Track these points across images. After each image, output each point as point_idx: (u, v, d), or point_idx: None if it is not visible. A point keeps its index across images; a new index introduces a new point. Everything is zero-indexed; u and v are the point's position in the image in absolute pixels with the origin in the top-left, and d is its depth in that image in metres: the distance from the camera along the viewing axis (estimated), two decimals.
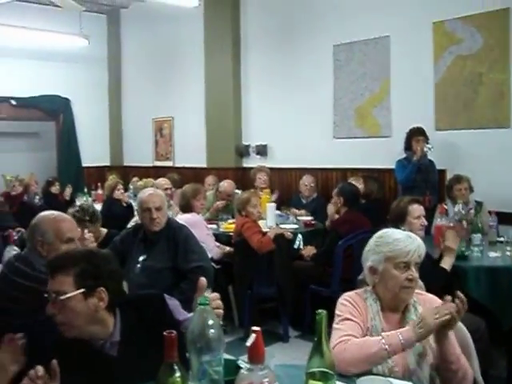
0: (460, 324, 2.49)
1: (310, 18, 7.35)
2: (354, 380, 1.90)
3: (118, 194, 7.00)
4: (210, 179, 7.41)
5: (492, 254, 4.31)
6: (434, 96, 6.16)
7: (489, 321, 3.95)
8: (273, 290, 5.07)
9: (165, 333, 1.50)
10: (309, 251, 5.24)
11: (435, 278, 3.56)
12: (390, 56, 6.56)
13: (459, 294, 2.14)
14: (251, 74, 8.17)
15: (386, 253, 2.29)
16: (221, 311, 1.96)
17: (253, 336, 1.46)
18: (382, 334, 2.13)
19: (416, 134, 5.65)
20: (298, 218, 6.18)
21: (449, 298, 2.15)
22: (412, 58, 6.36)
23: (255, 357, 1.48)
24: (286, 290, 5.03)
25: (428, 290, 3.23)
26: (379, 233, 2.40)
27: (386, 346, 2.05)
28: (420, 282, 3.25)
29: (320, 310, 1.61)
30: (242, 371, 1.51)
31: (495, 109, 5.74)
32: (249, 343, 1.47)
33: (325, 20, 7.20)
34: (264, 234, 5.03)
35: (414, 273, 2.27)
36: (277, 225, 5.52)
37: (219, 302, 1.97)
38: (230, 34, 8.20)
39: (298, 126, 7.47)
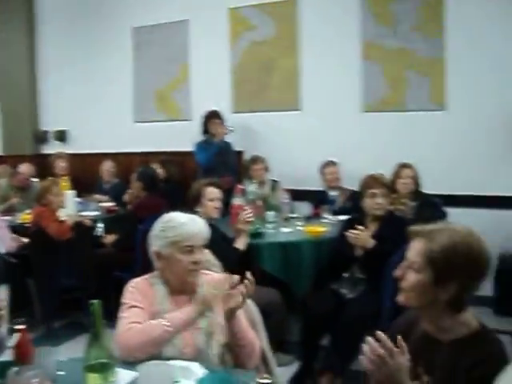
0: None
1: None
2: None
3: None
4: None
5: (285, 230, 4.57)
6: (231, 80, 6.36)
7: (284, 292, 4.21)
8: (75, 280, 4.93)
9: None
10: (110, 238, 5.17)
11: (231, 257, 3.70)
12: (189, 40, 6.63)
13: (247, 274, 2.23)
14: (49, 54, 7.73)
15: (170, 237, 2.29)
16: (2, 313, 1.86)
17: (16, 335, 1.40)
18: (165, 315, 2.17)
19: (212, 117, 5.79)
20: (100, 204, 6.04)
21: (236, 277, 2.23)
22: (210, 42, 6.49)
23: (21, 357, 1.42)
24: (89, 279, 4.91)
25: (225, 269, 3.35)
26: (164, 217, 2.40)
27: (168, 326, 2.11)
28: (216, 262, 3.36)
29: (93, 301, 1.59)
30: (10, 373, 1.44)
31: (287, 92, 6.09)
32: (11, 343, 1.40)
33: (125, 2, 7.06)
34: (62, 222, 4.86)
35: (198, 255, 2.30)
36: (76, 212, 5.34)
37: (3, 304, 1.87)
38: (22, 10, 7.66)
39: (99, 110, 7.28)
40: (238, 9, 6.33)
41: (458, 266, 1.71)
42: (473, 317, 1.80)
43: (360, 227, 3.68)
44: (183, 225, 2.31)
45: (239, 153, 6.14)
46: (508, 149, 5.25)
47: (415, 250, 1.79)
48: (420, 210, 4.70)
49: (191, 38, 6.62)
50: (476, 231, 1.83)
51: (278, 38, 6.13)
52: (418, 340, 1.84)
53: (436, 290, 1.73)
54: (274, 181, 5.59)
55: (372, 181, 3.83)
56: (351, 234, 3.62)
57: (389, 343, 1.63)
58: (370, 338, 1.65)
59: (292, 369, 3.97)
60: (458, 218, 4.87)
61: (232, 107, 6.32)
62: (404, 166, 4.95)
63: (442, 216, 4.90)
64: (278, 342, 4.23)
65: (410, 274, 1.78)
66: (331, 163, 5.45)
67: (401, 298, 1.83)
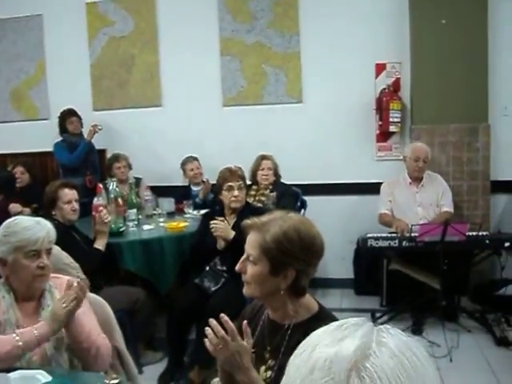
0: (99, 299, 2.58)
1: None
2: None
3: None
4: None
5: (146, 227, 4.55)
6: (90, 77, 6.20)
7: (149, 289, 4.21)
8: None
9: None
10: None
11: (90, 258, 3.65)
12: (44, 36, 6.36)
13: (80, 275, 2.21)
14: None
15: (14, 243, 2.21)
16: None
17: None
18: (17, 331, 2.08)
19: (68, 116, 5.63)
20: None
21: (72, 280, 2.20)
22: (67, 38, 6.25)
23: None
24: None
25: (84, 270, 3.30)
26: (7, 222, 2.31)
27: (21, 343, 2.02)
28: (76, 264, 3.30)
29: None
30: None
31: (147, 89, 6.05)
32: None
33: None
34: None
35: (45, 260, 2.24)
36: None
37: None
38: None
39: None
40: (94, 4, 6.16)
41: (292, 253, 1.78)
42: (312, 299, 1.91)
43: (220, 218, 3.77)
44: (26, 229, 2.25)
45: (102, 151, 6.02)
46: (363, 138, 5.55)
47: (251, 242, 1.85)
48: (280, 201, 4.86)
49: (46, 34, 6.33)
50: (307, 218, 1.93)
51: (137, 33, 6.05)
52: (264, 326, 1.92)
53: (275, 279, 1.80)
54: (138, 178, 5.54)
55: (229, 174, 3.91)
56: (213, 224, 3.69)
57: (230, 325, 1.68)
58: (212, 320, 1.69)
59: (162, 365, 4.00)
60: (318, 206, 5.16)
61: (92, 105, 6.17)
62: (263, 157, 5.10)
63: (302, 205, 5.11)
64: (147, 340, 4.24)
65: (249, 266, 1.84)
66: (192, 159, 5.48)
67: (245, 291, 1.89)
